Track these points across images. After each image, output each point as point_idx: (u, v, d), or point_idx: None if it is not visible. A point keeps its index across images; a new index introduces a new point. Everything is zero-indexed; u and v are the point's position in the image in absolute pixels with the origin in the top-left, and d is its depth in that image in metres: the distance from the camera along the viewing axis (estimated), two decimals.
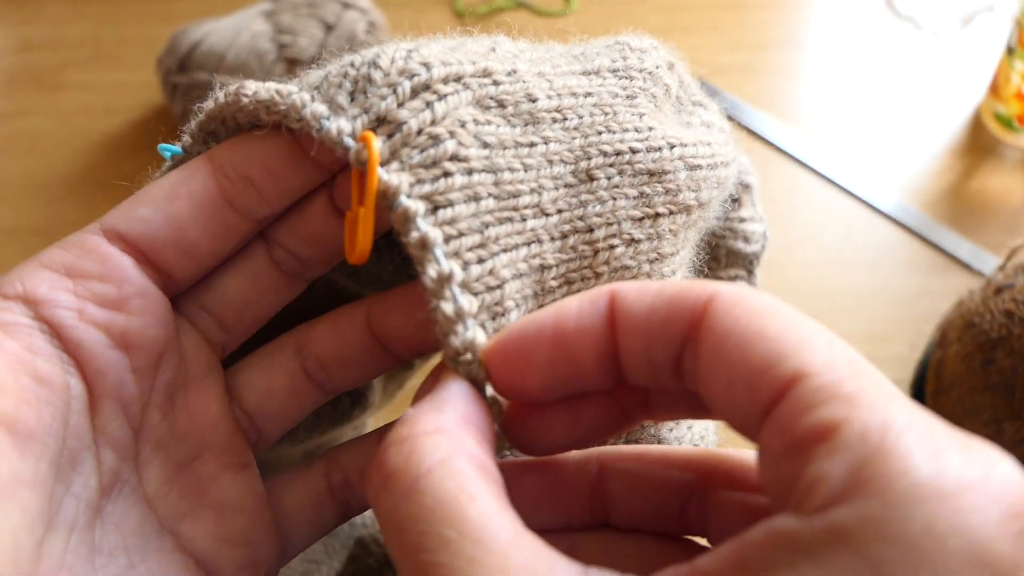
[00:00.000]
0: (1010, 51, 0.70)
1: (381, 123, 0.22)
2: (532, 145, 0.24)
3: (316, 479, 0.27)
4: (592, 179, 0.25)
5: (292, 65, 0.67)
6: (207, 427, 0.25)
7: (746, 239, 0.36)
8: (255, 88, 0.24)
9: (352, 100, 0.23)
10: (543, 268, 0.24)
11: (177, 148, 0.26)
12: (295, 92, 0.23)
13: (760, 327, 0.18)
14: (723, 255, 0.36)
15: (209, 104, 0.25)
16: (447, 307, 0.21)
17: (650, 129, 0.26)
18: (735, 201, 0.35)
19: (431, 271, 0.21)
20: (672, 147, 0.26)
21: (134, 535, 0.23)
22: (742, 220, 0.35)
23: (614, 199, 0.25)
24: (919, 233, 0.68)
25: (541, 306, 0.24)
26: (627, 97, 0.26)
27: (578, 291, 0.25)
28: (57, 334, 0.22)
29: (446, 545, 0.17)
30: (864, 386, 0.17)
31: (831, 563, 0.15)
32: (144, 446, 0.24)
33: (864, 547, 0.15)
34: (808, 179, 0.72)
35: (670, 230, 0.26)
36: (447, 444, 0.19)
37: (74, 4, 0.86)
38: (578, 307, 0.21)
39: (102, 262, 0.23)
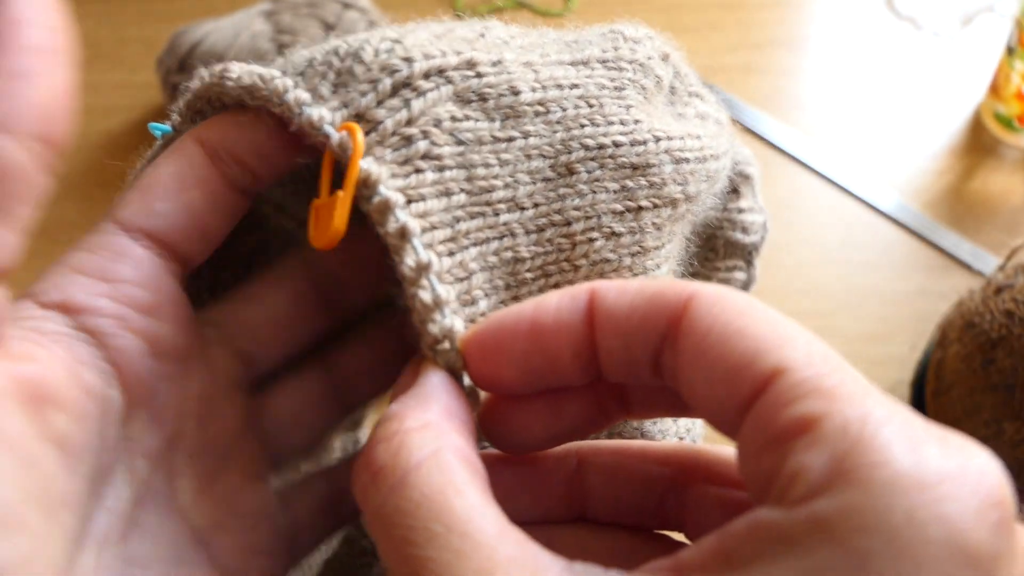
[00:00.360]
0: (1010, 51, 0.70)
1: (359, 120, 0.23)
2: (510, 140, 0.24)
3: (320, 489, 0.28)
4: (572, 173, 0.25)
5: None
6: (234, 438, 0.25)
7: (744, 230, 0.36)
8: (239, 73, 0.24)
9: (334, 92, 0.23)
10: (517, 260, 0.24)
11: (168, 127, 0.26)
12: (278, 77, 0.23)
13: (740, 325, 0.19)
14: (721, 246, 0.36)
15: (195, 83, 0.25)
16: (425, 295, 0.22)
17: (636, 122, 0.26)
18: (734, 191, 0.35)
19: (409, 260, 0.22)
20: (658, 140, 0.26)
21: (168, 546, 0.23)
22: (740, 211, 0.35)
23: (594, 193, 0.25)
24: (919, 233, 0.68)
25: (516, 298, 0.24)
26: (615, 89, 0.26)
27: (556, 284, 0.25)
28: (99, 343, 0.22)
29: (433, 539, 0.17)
30: (843, 380, 0.17)
31: (814, 554, 0.15)
32: (177, 456, 0.24)
33: (846, 537, 0.15)
34: (808, 179, 0.72)
35: (654, 224, 0.26)
36: (434, 439, 0.19)
37: (74, 4, 0.86)
38: (557, 302, 0.21)
39: (136, 266, 0.23)
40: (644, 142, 0.25)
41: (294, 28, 0.69)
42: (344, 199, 0.22)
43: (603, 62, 0.26)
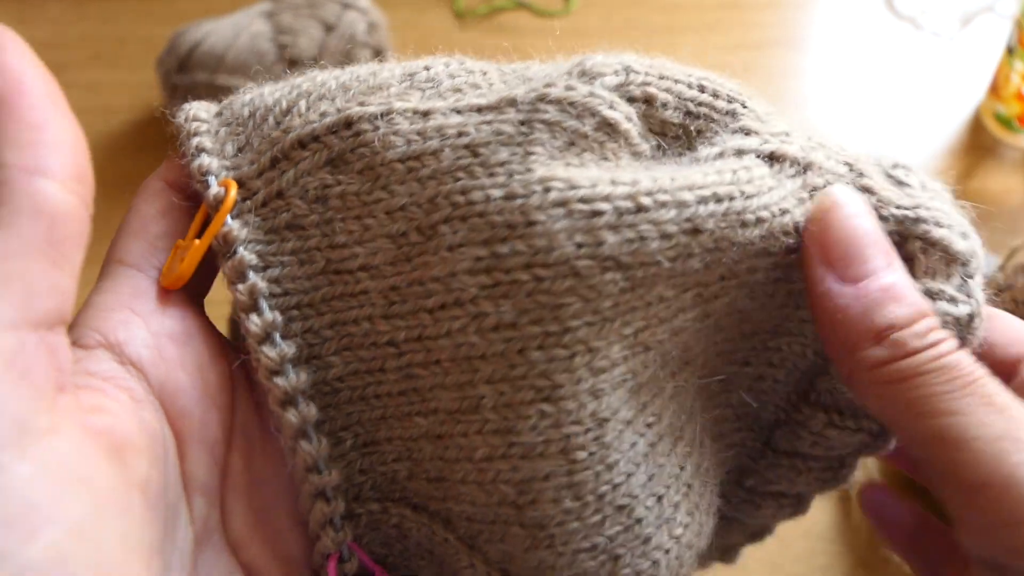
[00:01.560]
0: (1010, 51, 0.70)
1: (241, 186, 0.24)
2: (377, 202, 0.23)
3: None
4: (436, 235, 0.21)
5: (292, 65, 0.67)
6: (285, 476, 0.24)
7: None
8: (183, 110, 0.25)
9: (235, 155, 0.24)
10: (374, 333, 0.23)
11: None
12: (201, 121, 0.25)
13: None
14: None
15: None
16: (270, 351, 0.23)
17: (527, 171, 0.21)
18: (906, 261, 0.24)
19: (255, 319, 0.23)
20: (548, 191, 0.21)
21: None
22: (929, 293, 0.24)
23: (457, 260, 0.21)
24: None
25: (380, 383, 0.23)
26: (520, 134, 0.22)
27: (416, 371, 0.23)
28: (143, 375, 0.21)
29: (973, 406, 0.21)
30: None
31: None
32: (229, 492, 0.23)
33: None
34: None
35: (543, 304, 0.21)
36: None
37: (74, 4, 0.86)
38: None
39: (159, 299, 0.23)
40: (527, 195, 0.21)
41: (294, 28, 0.69)
42: (199, 247, 0.23)
43: (515, 104, 0.22)
